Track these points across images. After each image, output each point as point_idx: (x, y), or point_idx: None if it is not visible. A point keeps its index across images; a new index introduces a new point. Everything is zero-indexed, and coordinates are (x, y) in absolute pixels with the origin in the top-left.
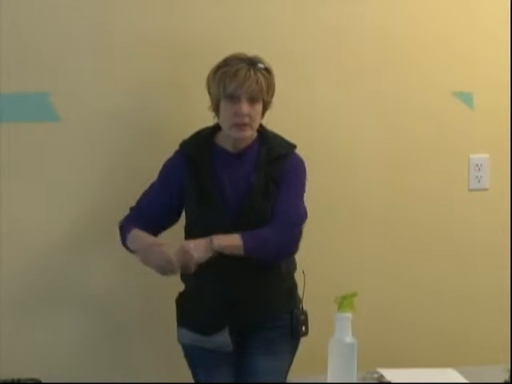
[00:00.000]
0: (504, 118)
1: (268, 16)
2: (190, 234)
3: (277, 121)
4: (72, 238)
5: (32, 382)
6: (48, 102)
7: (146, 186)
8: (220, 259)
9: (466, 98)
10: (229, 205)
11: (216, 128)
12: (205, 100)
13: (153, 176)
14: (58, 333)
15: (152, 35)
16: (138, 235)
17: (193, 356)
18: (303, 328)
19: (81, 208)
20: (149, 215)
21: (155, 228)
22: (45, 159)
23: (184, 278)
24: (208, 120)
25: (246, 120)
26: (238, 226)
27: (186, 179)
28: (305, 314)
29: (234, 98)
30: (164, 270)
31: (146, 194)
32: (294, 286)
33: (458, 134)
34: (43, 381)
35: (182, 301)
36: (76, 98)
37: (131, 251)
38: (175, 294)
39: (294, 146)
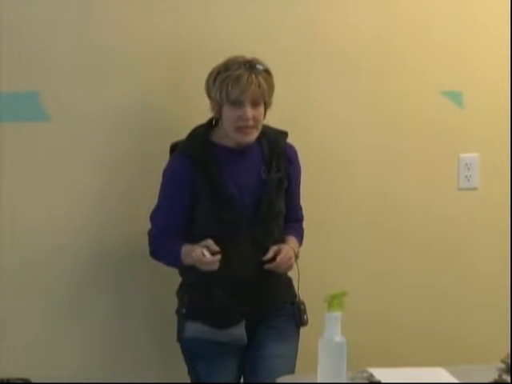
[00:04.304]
0: (494, 118)
1: (266, 17)
2: (201, 234)
3: (271, 121)
4: (69, 237)
5: (21, 381)
6: (38, 102)
7: (140, 185)
8: (226, 252)
9: (456, 97)
10: (244, 202)
11: (210, 125)
12: (201, 100)
13: (145, 175)
14: (52, 332)
15: (146, 36)
16: (185, 250)
17: (199, 349)
18: (305, 316)
19: (76, 208)
20: (179, 225)
21: (184, 233)
22: (36, 159)
23: (186, 270)
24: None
25: (251, 123)
26: (254, 223)
27: (195, 181)
28: (303, 303)
29: (237, 103)
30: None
31: (165, 207)
32: (289, 278)
33: (447, 133)
34: (33, 381)
35: (189, 294)
36: (67, 97)
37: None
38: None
39: (286, 134)
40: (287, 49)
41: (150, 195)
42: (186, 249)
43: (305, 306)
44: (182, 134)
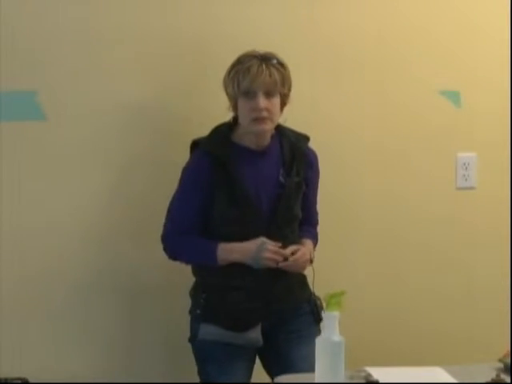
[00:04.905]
0: (492, 117)
1: (269, 17)
2: (218, 234)
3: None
4: (71, 237)
5: (19, 381)
6: (36, 101)
7: (141, 185)
8: None
9: (453, 97)
10: (261, 204)
11: (232, 125)
12: (202, 99)
13: (146, 175)
14: (55, 333)
15: (146, 35)
16: (227, 247)
17: (212, 351)
18: (323, 312)
19: (78, 209)
20: (195, 222)
21: (200, 232)
22: (34, 159)
23: (203, 271)
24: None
25: (265, 114)
26: (272, 225)
27: (214, 180)
28: (319, 299)
29: (249, 94)
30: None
31: (182, 203)
32: (304, 276)
33: (445, 133)
34: (31, 380)
35: (205, 295)
36: (65, 97)
37: (184, 262)
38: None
39: (308, 138)
40: (289, 49)
41: (151, 195)
42: (226, 246)
43: (321, 302)
44: (185, 134)
